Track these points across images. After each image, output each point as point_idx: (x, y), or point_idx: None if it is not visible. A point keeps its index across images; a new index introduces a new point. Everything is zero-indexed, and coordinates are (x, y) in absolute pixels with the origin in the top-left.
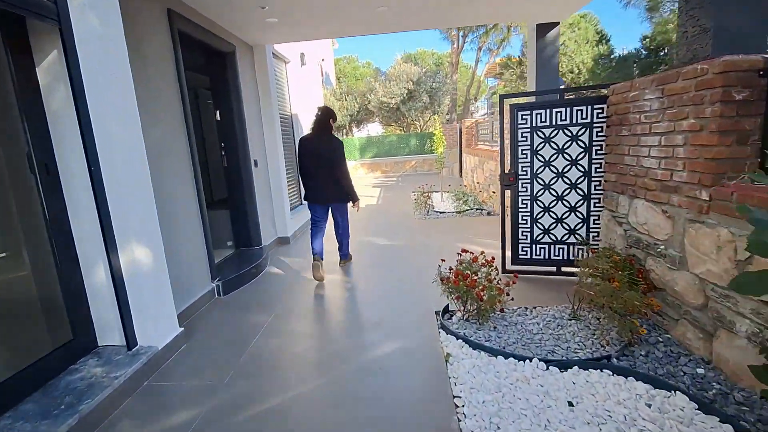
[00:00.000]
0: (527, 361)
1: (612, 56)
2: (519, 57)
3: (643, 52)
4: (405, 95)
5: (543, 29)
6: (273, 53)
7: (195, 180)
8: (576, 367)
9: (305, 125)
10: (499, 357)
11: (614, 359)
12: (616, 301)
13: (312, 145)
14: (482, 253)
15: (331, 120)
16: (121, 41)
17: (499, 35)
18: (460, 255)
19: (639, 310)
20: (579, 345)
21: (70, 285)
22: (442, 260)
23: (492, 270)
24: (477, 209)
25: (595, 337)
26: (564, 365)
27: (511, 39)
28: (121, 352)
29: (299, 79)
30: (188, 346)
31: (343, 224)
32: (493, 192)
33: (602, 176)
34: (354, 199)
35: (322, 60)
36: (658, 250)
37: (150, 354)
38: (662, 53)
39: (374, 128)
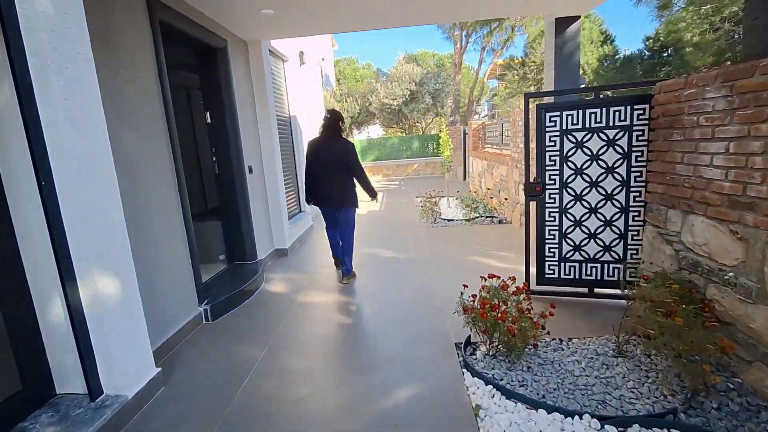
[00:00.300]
0: (576, 417)
1: (616, 57)
2: (521, 58)
3: (646, 53)
4: (407, 96)
5: (562, 24)
6: (269, 50)
7: (179, 191)
8: (637, 425)
9: (305, 128)
10: (541, 410)
11: (681, 414)
12: (683, 342)
13: (322, 148)
14: (513, 279)
15: (340, 123)
16: (81, 29)
17: (503, 35)
18: (486, 280)
19: (711, 352)
20: (634, 393)
21: (20, 323)
22: (465, 286)
23: (523, 298)
24: (487, 217)
25: (650, 381)
26: (622, 423)
27: (515, 39)
28: (83, 403)
29: (298, 79)
30: (166, 391)
31: (348, 234)
32: (505, 199)
33: (643, 186)
34: (373, 194)
35: (322, 59)
36: (725, 277)
37: (117, 406)
38: (665, 54)
39: (375, 130)
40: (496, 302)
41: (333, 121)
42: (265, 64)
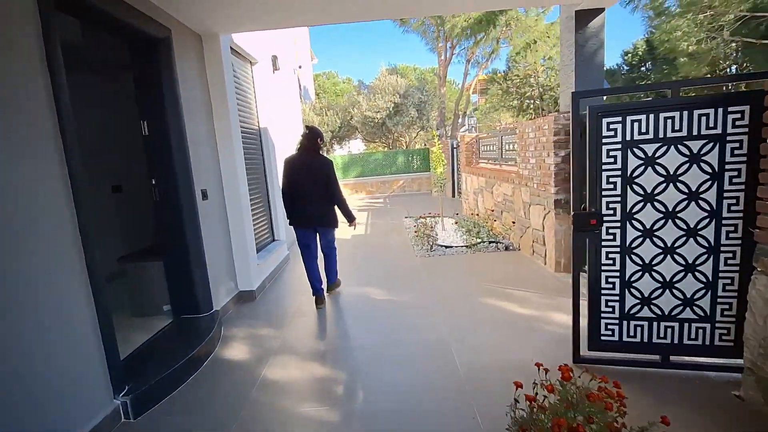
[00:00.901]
0: None
1: None
2: (504, 72)
3: (624, 68)
4: (391, 109)
5: (584, 18)
6: (232, 48)
7: (81, 234)
8: None
9: (278, 143)
10: None
11: None
12: None
13: (301, 165)
14: (594, 377)
15: (318, 140)
16: None
17: (488, 47)
18: (543, 371)
19: None
20: None
21: None
22: (518, 385)
23: (618, 408)
24: (491, 242)
25: None
26: None
27: (500, 51)
28: None
29: (271, 87)
30: None
31: (331, 256)
32: (513, 222)
33: (741, 218)
34: (351, 219)
35: (299, 67)
36: None
37: None
38: (643, 68)
39: (356, 145)
40: (579, 420)
41: (312, 138)
42: (225, 65)
